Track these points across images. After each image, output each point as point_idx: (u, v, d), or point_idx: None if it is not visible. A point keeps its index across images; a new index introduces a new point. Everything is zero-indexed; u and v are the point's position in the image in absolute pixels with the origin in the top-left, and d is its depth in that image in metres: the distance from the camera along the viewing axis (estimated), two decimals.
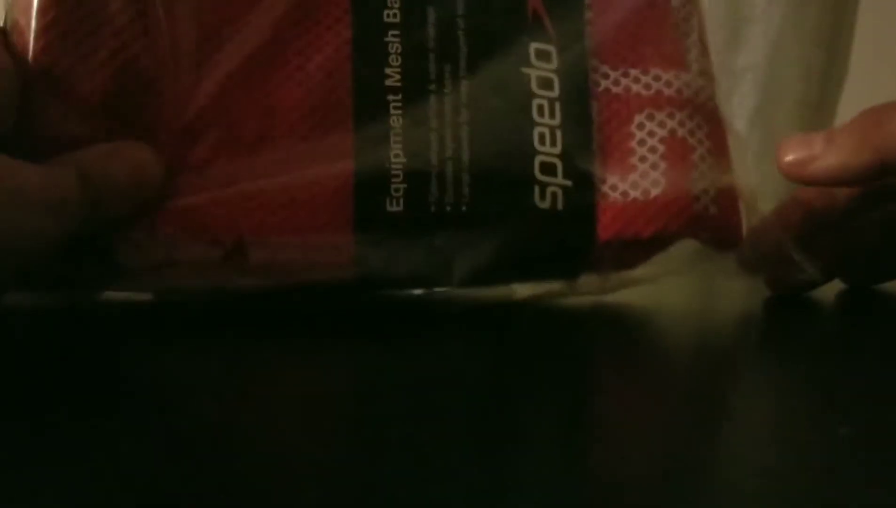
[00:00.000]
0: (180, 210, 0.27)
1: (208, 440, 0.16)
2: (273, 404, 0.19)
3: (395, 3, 0.28)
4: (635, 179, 0.28)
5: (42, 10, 0.25)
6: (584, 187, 0.28)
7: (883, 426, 0.18)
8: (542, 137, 0.28)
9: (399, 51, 0.28)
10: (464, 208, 0.28)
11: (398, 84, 0.28)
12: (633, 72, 0.29)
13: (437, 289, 0.31)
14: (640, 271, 0.30)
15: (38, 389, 0.20)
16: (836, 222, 0.31)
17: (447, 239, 0.28)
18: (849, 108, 0.57)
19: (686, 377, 0.23)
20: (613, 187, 0.28)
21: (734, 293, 0.39)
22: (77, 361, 0.23)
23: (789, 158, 0.30)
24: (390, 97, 0.28)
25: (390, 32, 0.28)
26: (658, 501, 0.14)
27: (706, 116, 0.29)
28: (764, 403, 0.21)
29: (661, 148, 0.28)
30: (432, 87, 0.28)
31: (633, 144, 0.28)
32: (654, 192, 0.28)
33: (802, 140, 0.30)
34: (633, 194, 0.28)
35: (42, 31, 0.25)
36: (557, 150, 0.28)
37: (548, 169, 0.28)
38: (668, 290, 0.36)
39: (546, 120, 0.28)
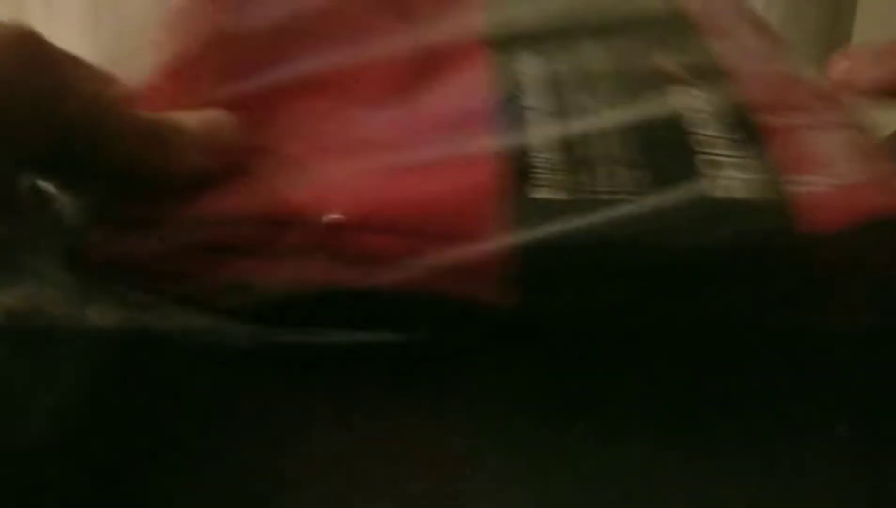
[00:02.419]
0: (260, 188, 0.24)
1: None
2: None
3: (533, 57, 0.29)
4: (823, 173, 0.25)
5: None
6: (764, 178, 0.25)
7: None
8: (699, 142, 0.26)
9: (538, 90, 0.28)
10: (620, 197, 0.24)
11: (541, 106, 0.27)
12: (787, 113, 0.27)
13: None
14: None
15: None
16: None
17: (605, 226, 0.23)
18: None
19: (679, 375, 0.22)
20: (805, 182, 0.24)
21: None
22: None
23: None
24: (529, 113, 0.27)
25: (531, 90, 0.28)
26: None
27: (863, 135, 0.27)
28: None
29: (838, 148, 0.26)
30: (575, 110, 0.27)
31: (805, 151, 0.26)
32: (850, 179, 0.25)
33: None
34: (830, 181, 0.24)
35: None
36: (719, 151, 0.25)
37: (714, 165, 0.25)
38: None
39: (702, 131, 0.26)
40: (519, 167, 0.24)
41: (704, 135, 0.26)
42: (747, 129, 0.26)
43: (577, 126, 0.26)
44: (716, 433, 0.18)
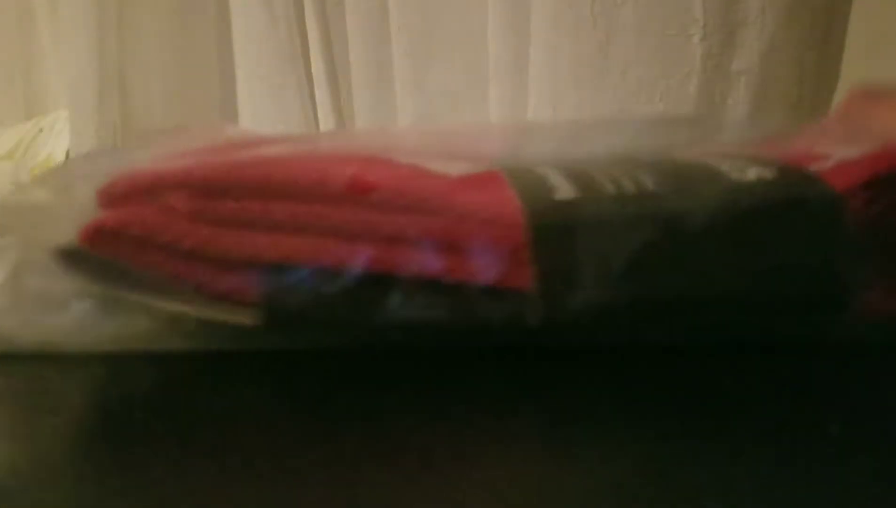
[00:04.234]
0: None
1: None
2: None
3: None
4: (834, 158, 0.26)
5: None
6: (789, 168, 0.25)
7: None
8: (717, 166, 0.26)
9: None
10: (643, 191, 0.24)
11: None
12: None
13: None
14: None
15: None
16: None
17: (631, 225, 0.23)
18: None
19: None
20: (822, 160, 0.25)
21: None
22: None
23: None
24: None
25: None
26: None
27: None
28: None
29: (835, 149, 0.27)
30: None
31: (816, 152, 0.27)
32: (859, 153, 0.26)
33: None
34: (841, 157, 0.25)
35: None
36: (741, 162, 0.26)
37: (737, 169, 0.25)
38: None
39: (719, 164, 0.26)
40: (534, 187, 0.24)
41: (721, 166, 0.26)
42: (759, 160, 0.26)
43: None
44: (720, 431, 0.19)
